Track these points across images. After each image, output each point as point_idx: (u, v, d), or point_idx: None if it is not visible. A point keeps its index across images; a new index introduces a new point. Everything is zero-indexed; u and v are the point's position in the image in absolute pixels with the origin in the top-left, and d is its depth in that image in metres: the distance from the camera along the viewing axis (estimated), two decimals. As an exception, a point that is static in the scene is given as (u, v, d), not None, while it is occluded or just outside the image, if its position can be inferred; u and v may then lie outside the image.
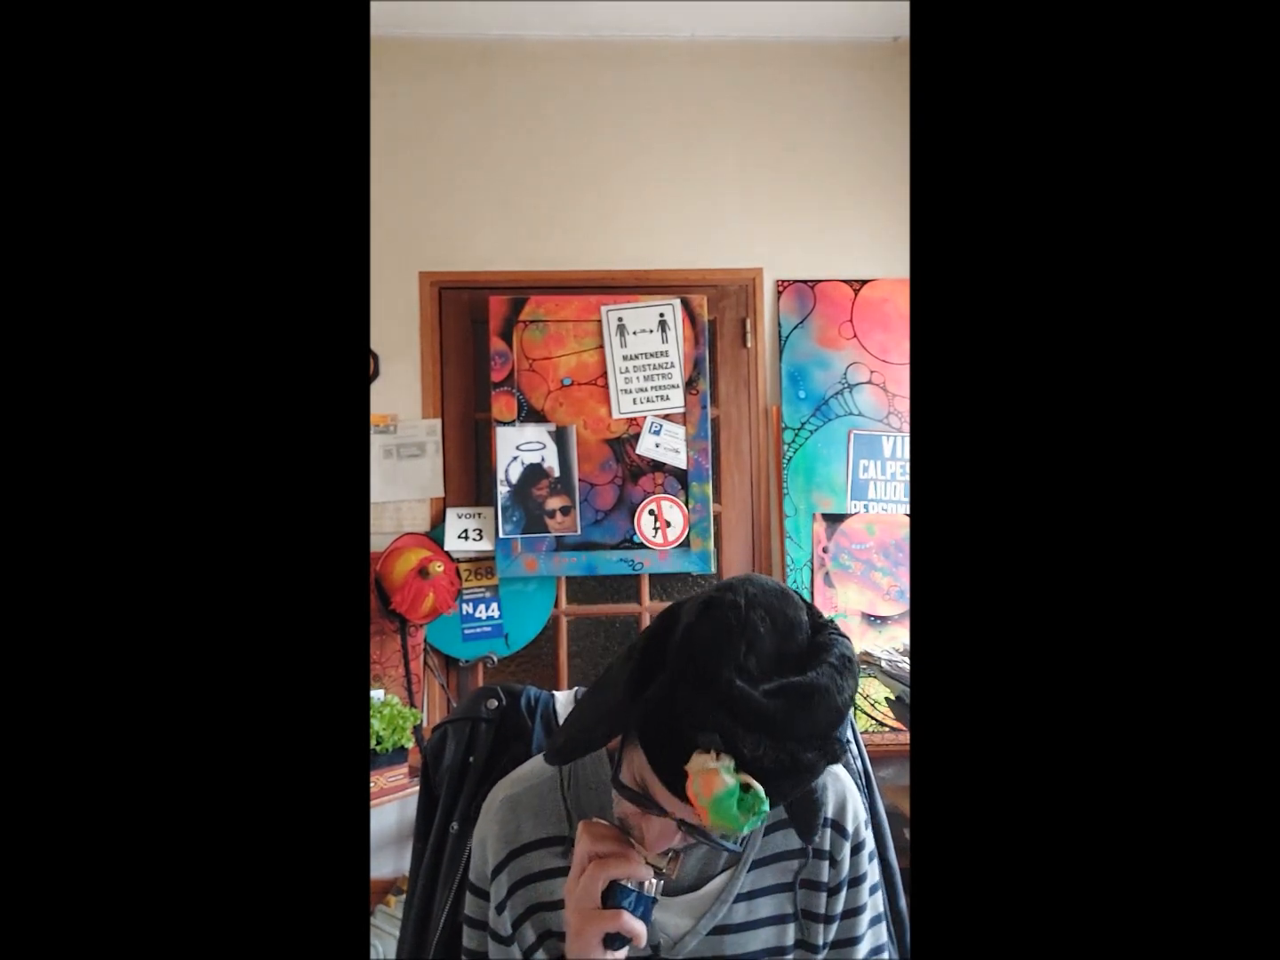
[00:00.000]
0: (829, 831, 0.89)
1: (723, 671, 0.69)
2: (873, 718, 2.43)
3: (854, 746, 1.05)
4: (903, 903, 1.04)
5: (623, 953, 0.79)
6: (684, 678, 0.70)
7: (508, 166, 2.49)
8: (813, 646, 0.74)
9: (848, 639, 0.76)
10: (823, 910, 0.89)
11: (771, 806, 0.69)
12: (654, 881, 0.79)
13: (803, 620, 0.75)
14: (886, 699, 2.37)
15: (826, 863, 0.89)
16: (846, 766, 1.01)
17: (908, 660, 2.13)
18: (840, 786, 0.92)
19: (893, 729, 2.40)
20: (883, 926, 0.93)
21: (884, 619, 2.47)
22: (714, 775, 0.67)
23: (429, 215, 2.46)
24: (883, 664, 2.17)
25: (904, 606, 2.47)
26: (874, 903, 0.92)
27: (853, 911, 0.90)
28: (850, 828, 0.90)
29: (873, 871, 0.92)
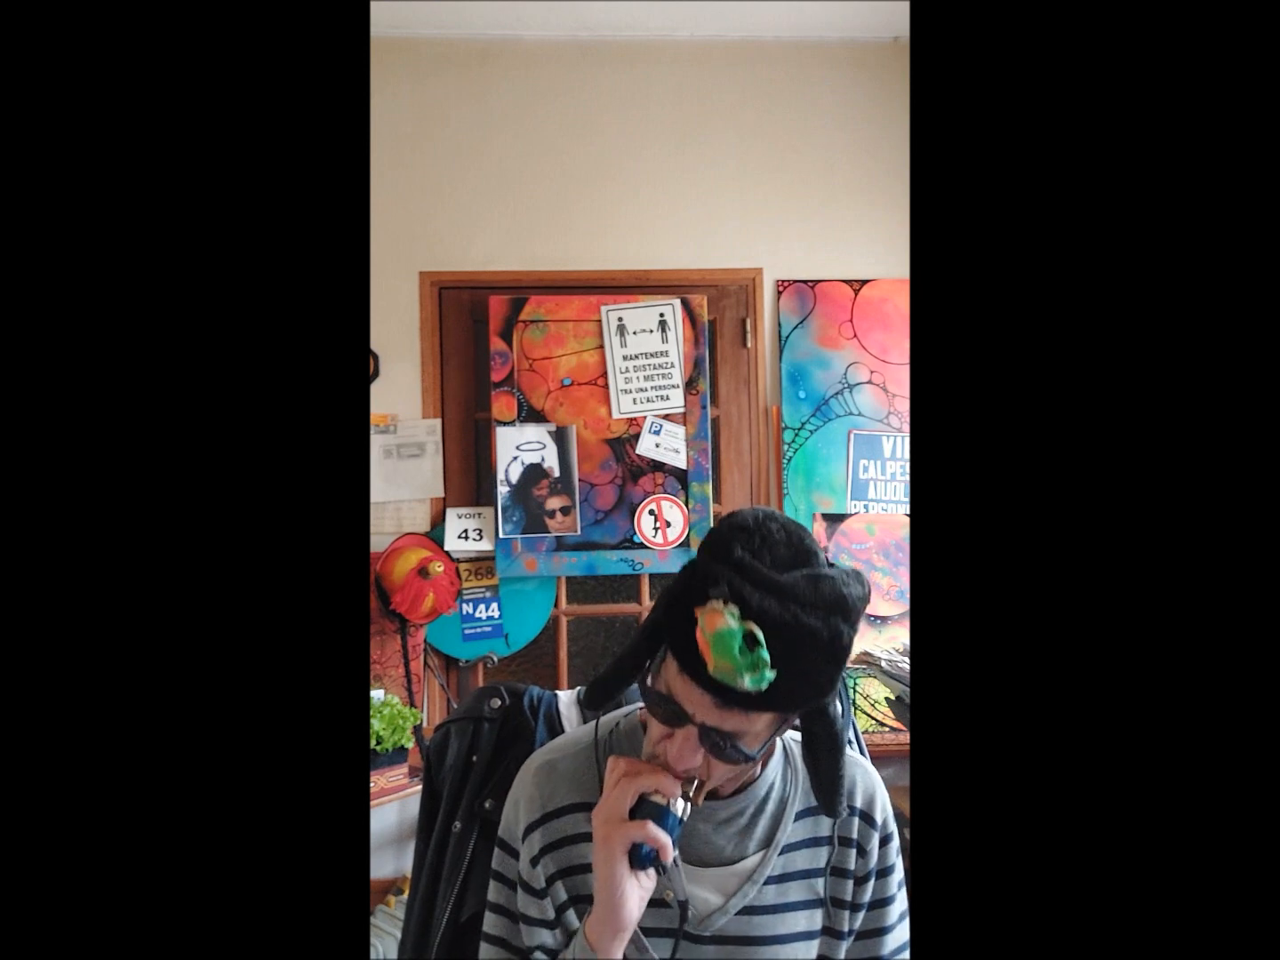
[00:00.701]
0: (857, 821, 0.91)
1: (735, 546, 0.76)
2: (873, 718, 2.43)
3: (854, 746, 1.05)
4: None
5: (650, 878, 0.81)
6: (702, 557, 0.78)
7: (508, 166, 2.49)
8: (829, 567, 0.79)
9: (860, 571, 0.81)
10: (849, 898, 0.90)
11: (775, 666, 0.73)
12: (682, 803, 0.81)
13: (819, 554, 0.80)
14: (886, 699, 2.37)
15: (854, 851, 0.91)
16: None
17: (908, 660, 2.13)
18: (870, 780, 0.94)
19: (893, 729, 2.40)
20: (907, 924, 0.94)
21: (884, 619, 2.47)
22: (718, 614, 0.73)
23: (429, 215, 2.47)
24: (883, 664, 2.17)
25: (904, 606, 2.47)
26: (902, 898, 0.93)
27: (880, 902, 0.92)
28: (879, 819, 0.92)
29: (900, 868, 0.93)
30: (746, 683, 0.73)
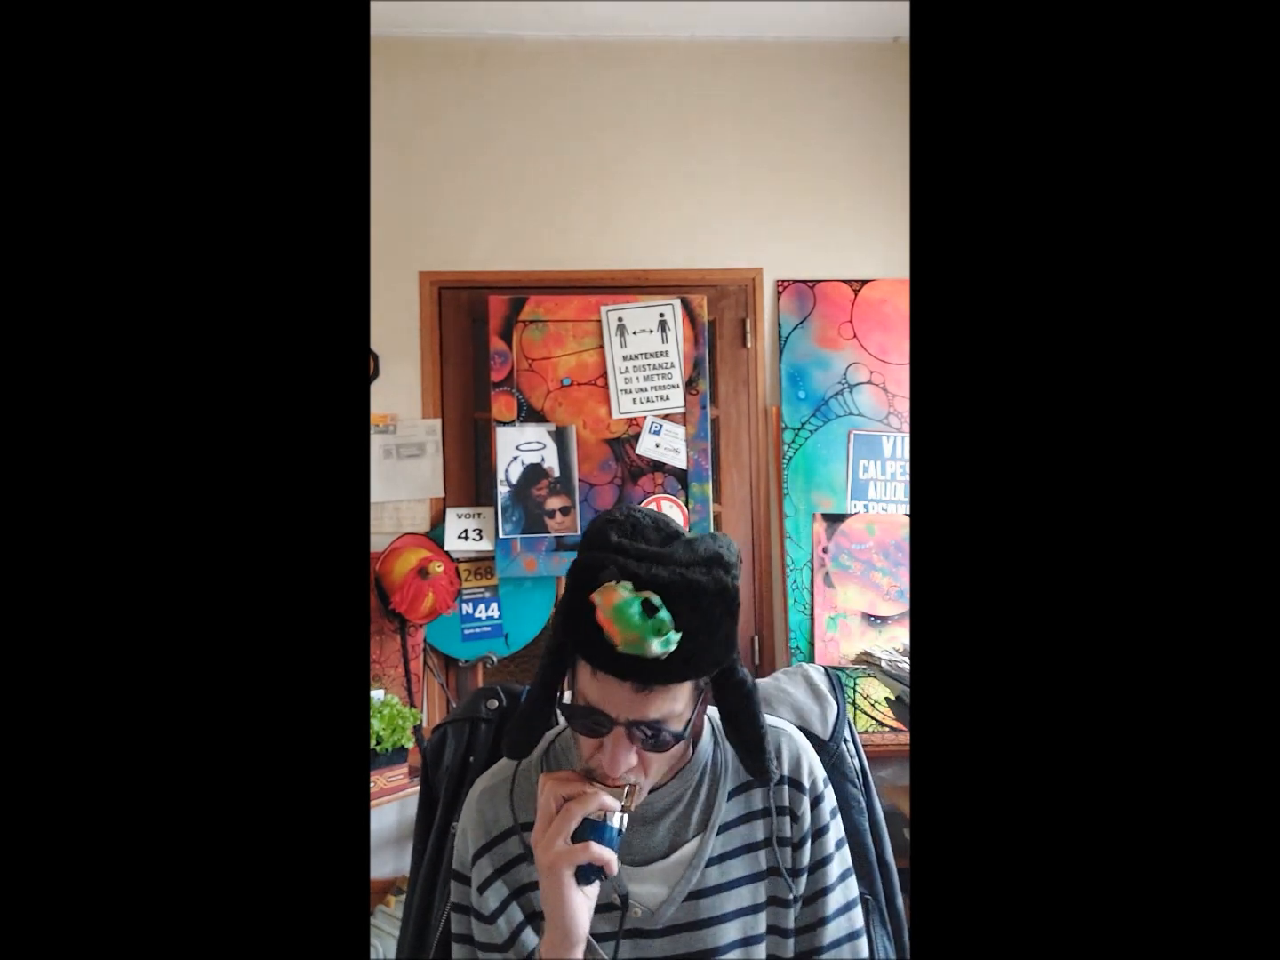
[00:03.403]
0: (786, 788, 0.93)
1: (610, 534, 0.82)
2: (873, 718, 2.42)
3: (851, 746, 1.05)
4: (901, 902, 1.04)
5: (593, 890, 0.83)
6: (580, 555, 0.83)
7: (508, 166, 2.49)
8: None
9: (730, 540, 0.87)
10: (789, 864, 0.92)
11: (678, 629, 0.77)
12: (620, 815, 0.83)
13: (684, 534, 0.85)
14: (886, 699, 2.37)
15: (788, 818, 0.93)
16: (843, 763, 1.02)
17: (908, 660, 2.13)
18: (795, 745, 0.96)
19: (893, 729, 2.40)
20: (854, 881, 0.95)
21: (884, 619, 2.47)
22: (611, 591, 0.78)
23: (429, 215, 2.46)
24: (883, 664, 2.17)
25: (904, 606, 2.47)
26: (841, 857, 0.94)
27: (820, 863, 0.93)
28: (806, 782, 0.94)
29: (836, 826, 0.95)
30: (655, 647, 0.76)
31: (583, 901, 0.82)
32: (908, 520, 2.43)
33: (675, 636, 0.77)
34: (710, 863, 0.91)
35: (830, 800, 0.95)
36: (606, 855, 0.81)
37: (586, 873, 0.81)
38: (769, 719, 0.95)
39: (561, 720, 0.95)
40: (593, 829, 0.81)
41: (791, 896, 0.92)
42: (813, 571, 2.46)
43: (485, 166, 2.48)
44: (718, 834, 0.91)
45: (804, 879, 0.92)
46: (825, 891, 0.93)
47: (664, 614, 0.77)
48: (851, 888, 0.95)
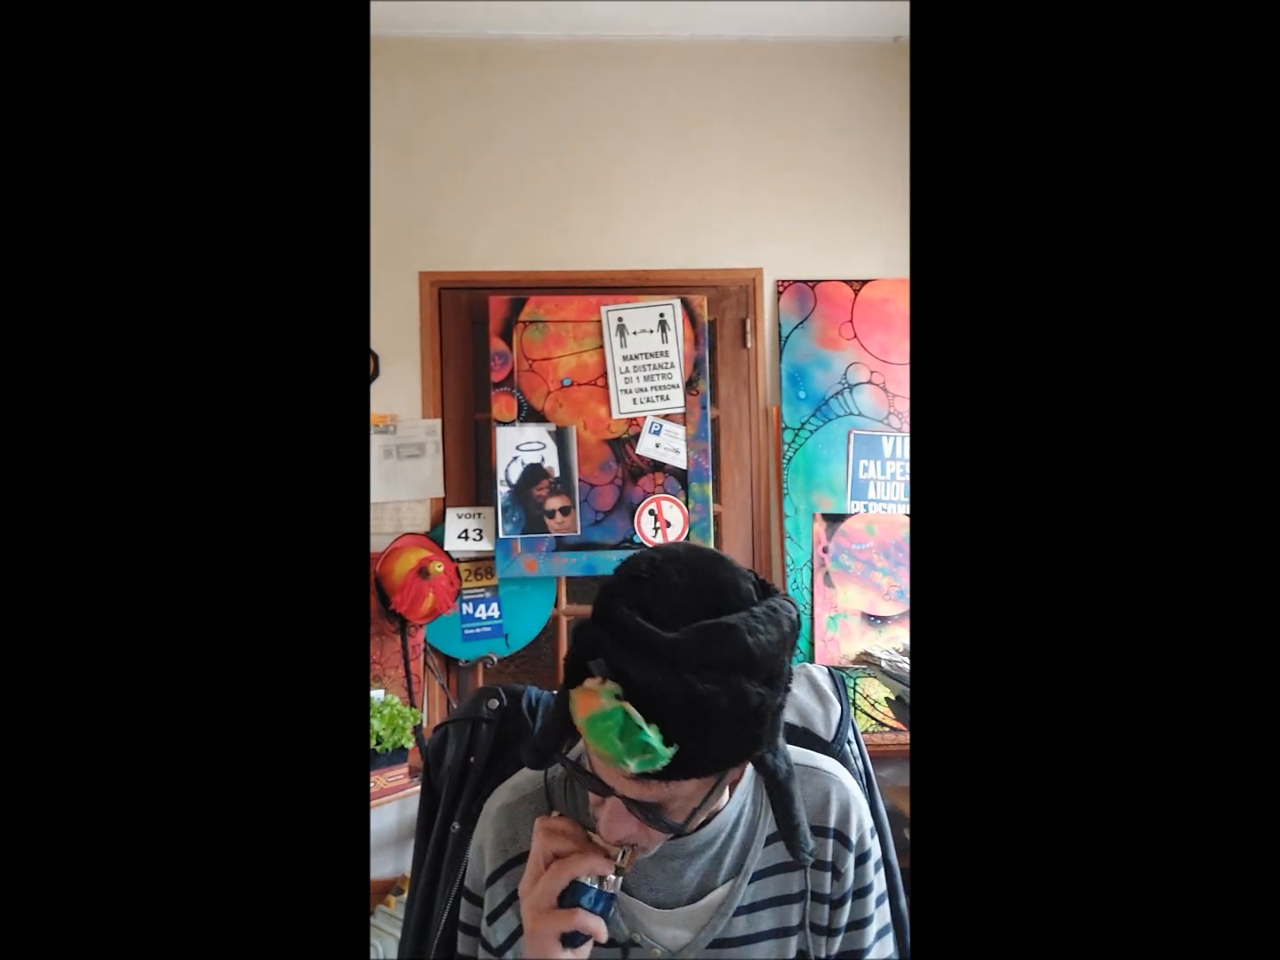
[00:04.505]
0: (831, 842, 0.86)
1: (618, 605, 0.68)
2: (873, 718, 2.42)
3: (854, 747, 1.04)
4: (903, 902, 1.04)
5: (584, 950, 0.77)
6: (586, 620, 0.72)
7: (508, 166, 2.49)
8: (748, 606, 0.72)
9: (793, 603, 0.73)
10: (826, 923, 0.86)
11: (669, 744, 0.65)
12: (613, 878, 0.77)
13: (740, 584, 0.72)
14: (886, 699, 2.37)
15: (829, 874, 0.86)
16: (846, 765, 1.00)
17: (908, 660, 2.13)
18: (845, 794, 0.88)
19: (893, 729, 2.40)
20: (890, 939, 0.91)
21: (884, 619, 2.47)
22: (591, 696, 0.66)
23: (429, 215, 2.46)
24: (883, 664, 2.17)
25: (904, 606, 2.47)
26: (881, 914, 0.90)
27: (858, 924, 0.88)
28: (854, 837, 0.87)
29: (879, 882, 0.89)
30: (633, 767, 0.66)
31: None
32: (908, 520, 2.43)
33: (665, 754, 0.65)
34: (739, 911, 0.85)
35: (875, 853, 0.89)
36: (593, 925, 0.76)
37: (574, 938, 0.76)
38: (820, 763, 0.89)
39: None
40: (582, 893, 0.76)
41: (824, 955, 0.86)
42: (813, 571, 2.46)
43: (485, 166, 2.48)
44: (750, 881, 0.85)
45: (840, 938, 0.87)
46: (861, 953, 0.87)
47: (647, 735, 0.64)
48: (887, 946, 0.90)
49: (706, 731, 0.67)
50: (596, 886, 0.76)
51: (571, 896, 0.76)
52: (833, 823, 0.87)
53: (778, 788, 0.77)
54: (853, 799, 0.89)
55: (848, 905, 0.87)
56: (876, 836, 0.90)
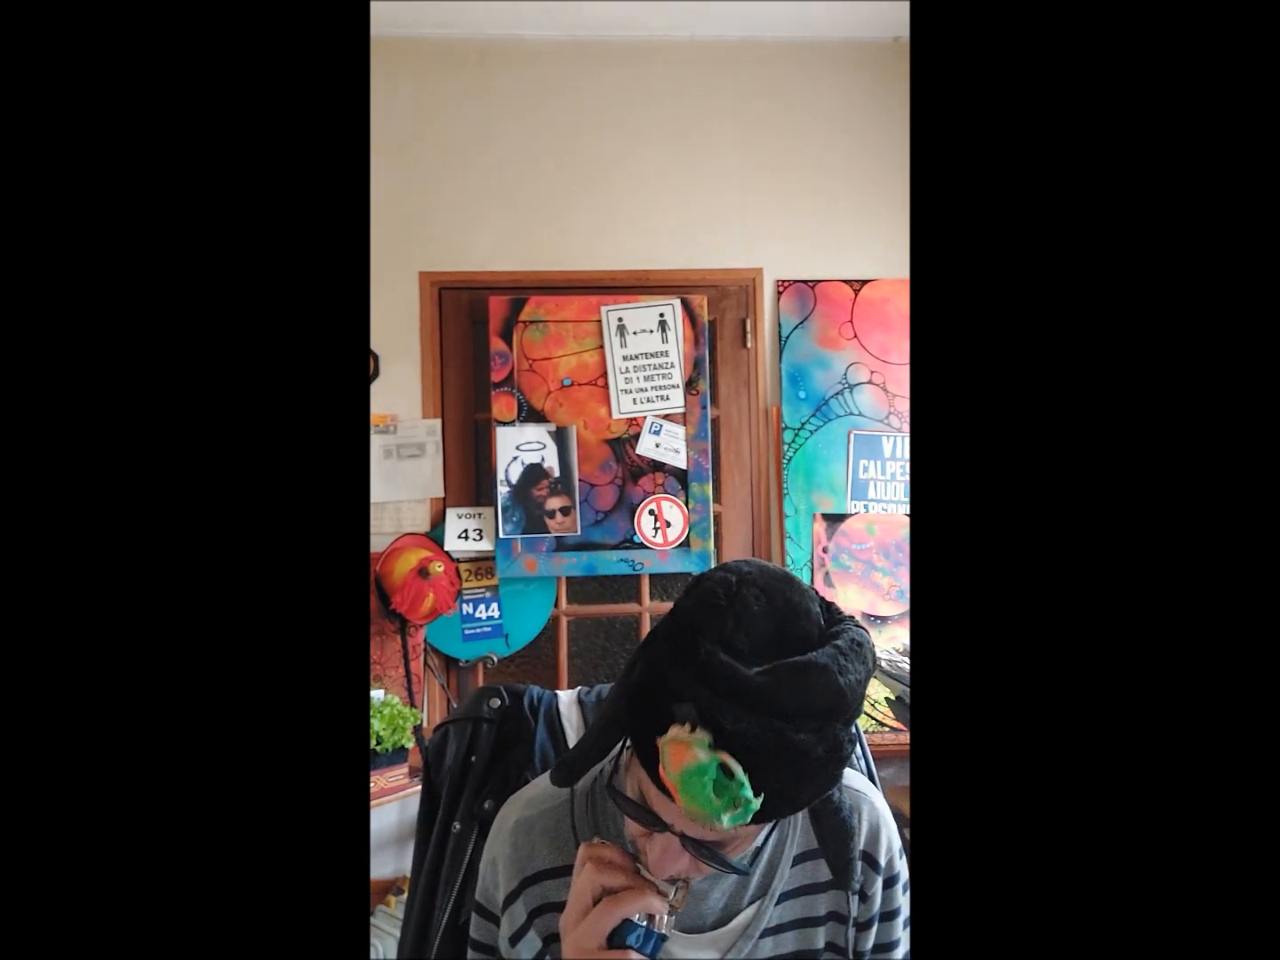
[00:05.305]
0: (859, 863, 0.82)
1: (702, 643, 0.64)
2: (873, 718, 2.42)
3: (858, 747, 1.04)
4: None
5: None
6: (666, 653, 0.66)
7: (508, 166, 2.49)
8: (824, 635, 0.69)
9: (865, 630, 0.71)
10: (851, 945, 0.84)
11: (757, 794, 0.62)
12: (665, 917, 0.72)
13: (811, 608, 0.70)
14: (886, 699, 2.37)
15: (856, 896, 0.84)
16: (851, 766, 1.00)
17: (908, 660, 2.13)
18: (875, 814, 0.86)
19: (893, 729, 2.40)
20: None
21: (884, 619, 2.47)
22: (684, 747, 0.61)
23: (429, 215, 2.46)
24: (883, 664, 2.17)
25: (904, 606, 2.47)
26: (906, 938, 0.88)
27: (884, 947, 0.86)
28: (883, 860, 0.85)
29: (906, 905, 0.87)
30: (725, 823, 0.62)
31: None
32: (908, 520, 2.43)
33: (754, 807, 0.61)
34: (765, 933, 0.82)
35: (904, 876, 0.86)
36: None
37: None
38: (852, 780, 0.87)
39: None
40: (632, 933, 0.70)
41: None
42: (813, 571, 2.46)
43: (485, 166, 2.48)
44: (776, 903, 0.83)
45: None
46: None
47: (743, 788, 0.60)
48: None
49: (797, 780, 0.64)
50: (646, 925, 0.71)
51: (620, 936, 0.71)
52: (862, 844, 0.84)
53: (841, 824, 0.73)
54: (883, 820, 0.86)
55: (874, 929, 0.85)
56: (904, 857, 0.86)
